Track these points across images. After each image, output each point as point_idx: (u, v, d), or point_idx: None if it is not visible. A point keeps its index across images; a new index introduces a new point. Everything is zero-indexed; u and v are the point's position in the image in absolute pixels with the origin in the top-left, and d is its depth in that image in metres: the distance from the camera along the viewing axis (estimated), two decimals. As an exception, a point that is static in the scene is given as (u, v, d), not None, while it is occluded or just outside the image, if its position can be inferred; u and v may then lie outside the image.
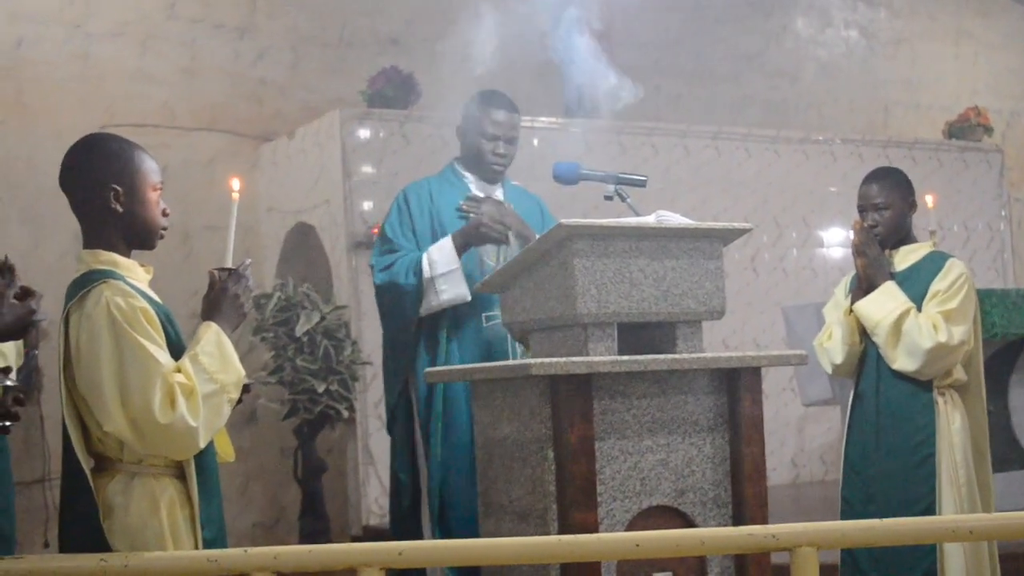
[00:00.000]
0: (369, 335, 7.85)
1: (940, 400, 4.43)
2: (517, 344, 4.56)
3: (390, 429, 4.87)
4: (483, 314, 4.67)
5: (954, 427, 4.42)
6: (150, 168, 3.13)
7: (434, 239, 4.67)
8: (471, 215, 4.64)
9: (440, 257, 4.59)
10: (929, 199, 5.06)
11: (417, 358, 4.69)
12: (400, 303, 4.63)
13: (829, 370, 4.68)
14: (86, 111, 8.22)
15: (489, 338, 4.66)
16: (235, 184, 3.27)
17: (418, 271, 4.57)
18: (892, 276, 4.51)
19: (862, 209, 4.60)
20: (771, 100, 11.13)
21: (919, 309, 4.41)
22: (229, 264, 3.20)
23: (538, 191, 5.11)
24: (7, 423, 2.88)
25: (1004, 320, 6.43)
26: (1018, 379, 7.03)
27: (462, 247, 4.61)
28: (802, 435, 9.54)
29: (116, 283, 2.97)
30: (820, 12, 11.56)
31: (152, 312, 2.98)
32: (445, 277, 4.56)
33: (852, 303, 4.55)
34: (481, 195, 4.73)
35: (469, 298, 4.60)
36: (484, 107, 4.73)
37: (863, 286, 4.53)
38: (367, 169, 8.06)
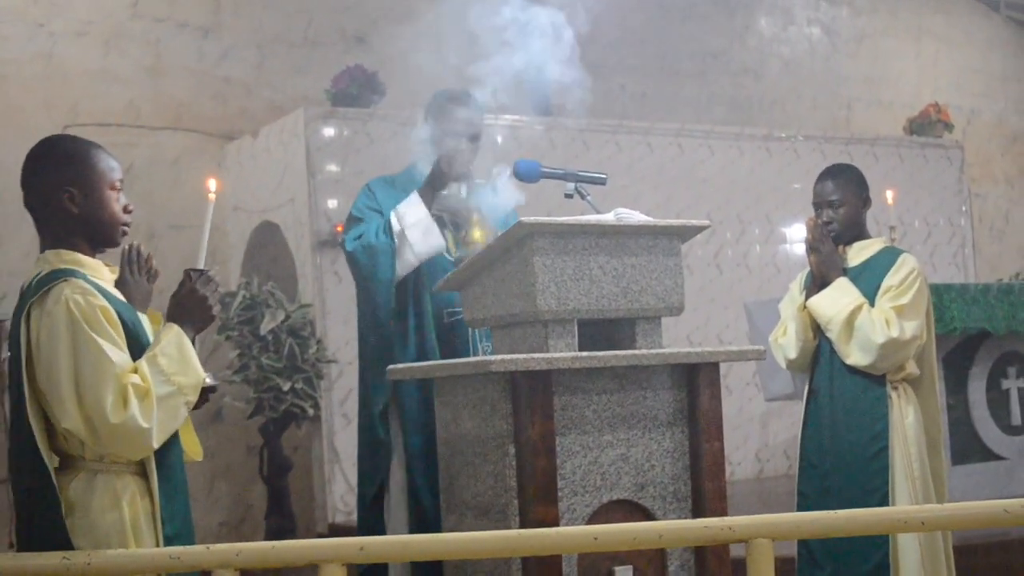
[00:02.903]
0: (334, 333, 7.87)
1: (893, 394, 4.47)
2: (480, 341, 4.57)
3: (370, 421, 4.68)
4: (444, 310, 4.65)
5: (907, 421, 4.46)
6: (107, 167, 3.13)
7: None
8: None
9: (407, 209, 4.55)
10: (889, 195, 5.11)
11: (404, 347, 4.58)
12: (375, 263, 4.52)
13: (784, 365, 4.73)
14: (50, 110, 8.21)
15: (451, 334, 4.64)
16: (212, 185, 3.25)
17: (388, 229, 4.53)
18: (845, 272, 4.56)
19: (817, 206, 4.65)
20: (735, 97, 11.20)
21: (872, 304, 4.46)
22: (201, 265, 3.19)
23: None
24: None
25: (963, 314, 6.49)
26: (978, 372, 7.08)
27: (428, 196, 4.58)
28: (766, 430, 9.60)
29: (77, 281, 2.98)
30: (783, 10, 11.66)
31: (112, 311, 2.98)
32: (415, 227, 4.50)
33: (806, 299, 4.60)
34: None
35: (444, 245, 4.57)
36: (446, 105, 4.71)
37: (816, 282, 4.58)
38: (331, 168, 8.06)
